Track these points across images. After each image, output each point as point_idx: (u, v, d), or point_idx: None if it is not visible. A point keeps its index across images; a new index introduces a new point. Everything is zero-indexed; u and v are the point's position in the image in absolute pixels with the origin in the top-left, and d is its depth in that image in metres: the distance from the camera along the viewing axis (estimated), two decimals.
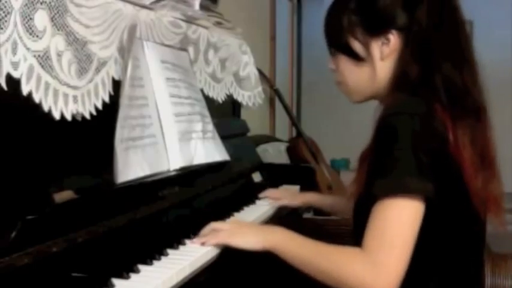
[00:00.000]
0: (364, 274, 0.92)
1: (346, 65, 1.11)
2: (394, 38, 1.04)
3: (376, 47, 1.06)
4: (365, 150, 1.03)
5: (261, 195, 1.60)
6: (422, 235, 0.95)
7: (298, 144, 2.76)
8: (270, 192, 1.62)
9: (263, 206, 1.52)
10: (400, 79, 1.03)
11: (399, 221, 0.92)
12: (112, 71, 1.12)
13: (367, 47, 1.07)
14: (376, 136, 0.98)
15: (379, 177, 0.95)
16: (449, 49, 1.02)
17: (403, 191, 0.92)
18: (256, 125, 2.53)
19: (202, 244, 1.08)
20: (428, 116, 0.95)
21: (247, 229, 1.14)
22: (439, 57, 1.01)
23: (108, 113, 1.07)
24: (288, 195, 1.65)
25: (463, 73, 1.01)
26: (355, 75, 1.11)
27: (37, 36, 0.89)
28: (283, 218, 1.60)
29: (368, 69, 1.08)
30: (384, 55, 1.06)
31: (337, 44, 1.12)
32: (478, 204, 0.99)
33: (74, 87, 0.98)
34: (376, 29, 1.06)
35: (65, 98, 0.96)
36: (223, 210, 1.39)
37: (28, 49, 0.87)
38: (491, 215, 1.04)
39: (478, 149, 0.99)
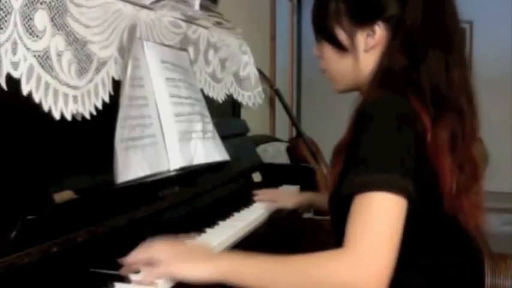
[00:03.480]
0: (351, 273, 0.84)
1: (330, 53, 1.09)
2: (380, 30, 1.02)
3: (361, 38, 1.04)
4: (339, 144, 1.00)
5: (255, 197, 1.57)
6: (407, 233, 0.90)
7: (298, 144, 2.76)
8: (264, 193, 1.59)
9: (263, 206, 1.52)
10: (384, 73, 1.01)
11: (380, 216, 0.86)
12: (112, 71, 1.12)
13: (351, 37, 1.05)
14: (353, 130, 0.95)
15: (358, 172, 0.90)
16: (438, 46, 1.00)
17: (385, 187, 0.87)
18: (256, 125, 2.53)
19: (145, 280, 0.91)
20: (408, 112, 0.93)
21: (189, 252, 0.97)
22: (427, 54, 0.99)
23: (108, 113, 1.07)
24: (283, 196, 1.62)
25: (450, 73, 0.99)
26: (338, 64, 1.09)
27: (37, 36, 0.89)
28: (283, 218, 1.60)
29: (351, 60, 1.06)
30: (368, 47, 1.04)
31: (322, 31, 1.10)
32: (451, 207, 0.96)
33: (74, 87, 0.98)
34: (363, 19, 1.03)
35: (65, 98, 0.96)
36: (223, 210, 1.39)
37: (28, 49, 0.87)
38: (469, 217, 1.00)
39: (458, 152, 0.96)
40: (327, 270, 0.86)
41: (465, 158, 0.98)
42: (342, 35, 1.06)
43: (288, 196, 1.64)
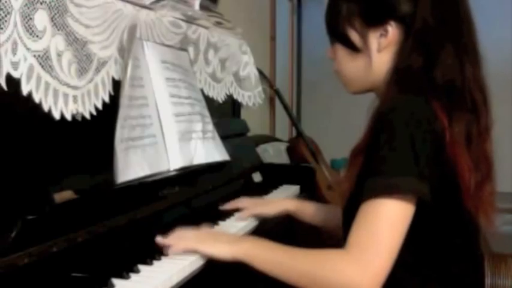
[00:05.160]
0: (349, 273, 0.90)
1: (343, 55, 1.10)
2: (392, 30, 1.02)
3: (374, 39, 1.04)
4: (357, 146, 1.01)
5: (225, 206, 1.40)
6: (416, 234, 0.94)
7: (298, 144, 2.75)
8: (238, 202, 1.42)
9: None
10: (400, 73, 1.01)
11: (388, 220, 0.91)
12: (112, 71, 1.12)
13: (364, 38, 1.05)
14: (371, 132, 0.96)
15: (372, 175, 0.93)
16: (451, 43, 1.00)
17: (394, 190, 0.90)
18: (256, 125, 2.53)
19: (169, 250, 1.03)
20: (427, 114, 0.94)
21: (214, 236, 1.11)
22: (440, 51, 0.99)
23: (108, 113, 1.07)
24: (260, 203, 1.44)
25: (464, 69, 0.99)
26: (351, 65, 1.09)
27: (37, 36, 0.89)
28: (283, 218, 1.60)
29: (364, 61, 1.06)
30: (381, 47, 1.04)
31: (335, 33, 1.10)
32: (470, 205, 0.98)
33: (74, 87, 0.98)
34: (375, 19, 1.04)
35: (65, 98, 0.96)
36: (223, 210, 1.39)
37: (28, 49, 0.87)
38: (482, 216, 1.02)
39: (474, 149, 0.97)
40: (333, 270, 0.93)
41: (480, 155, 0.99)
42: (354, 36, 1.07)
43: (268, 202, 1.46)
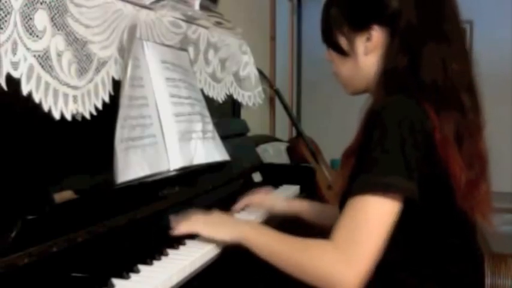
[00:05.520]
0: (333, 266, 0.93)
1: (335, 58, 1.14)
2: (377, 33, 1.05)
3: (361, 43, 1.07)
4: (349, 148, 1.03)
5: (237, 205, 1.43)
6: (412, 234, 0.95)
7: (298, 144, 2.76)
8: (250, 198, 1.46)
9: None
10: (388, 74, 1.03)
11: (374, 217, 0.92)
12: (112, 71, 1.12)
13: (351, 42, 1.09)
14: (364, 132, 0.98)
15: (362, 172, 0.94)
16: (434, 42, 1.00)
17: (382, 188, 0.92)
18: (256, 125, 2.53)
19: (174, 231, 1.12)
20: (419, 115, 0.95)
21: (218, 220, 1.16)
22: (423, 49, 1.00)
23: (108, 113, 1.07)
24: (272, 198, 1.50)
25: (447, 68, 1.00)
26: (344, 68, 1.13)
27: (37, 36, 0.89)
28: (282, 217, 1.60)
29: (352, 64, 1.10)
30: (368, 50, 1.07)
31: (327, 38, 1.15)
32: (464, 204, 0.98)
33: (74, 87, 0.98)
34: (360, 24, 1.06)
35: (65, 98, 0.96)
36: (224, 210, 1.38)
37: (28, 49, 0.87)
38: (479, 215, 1.02)
39: (466, 148, 0.98)
40: (321, 262, 0.95)
41: (473, 154, 0.99)
42: (342, 41, 1.10)
43: (278, 198, 1.52)
